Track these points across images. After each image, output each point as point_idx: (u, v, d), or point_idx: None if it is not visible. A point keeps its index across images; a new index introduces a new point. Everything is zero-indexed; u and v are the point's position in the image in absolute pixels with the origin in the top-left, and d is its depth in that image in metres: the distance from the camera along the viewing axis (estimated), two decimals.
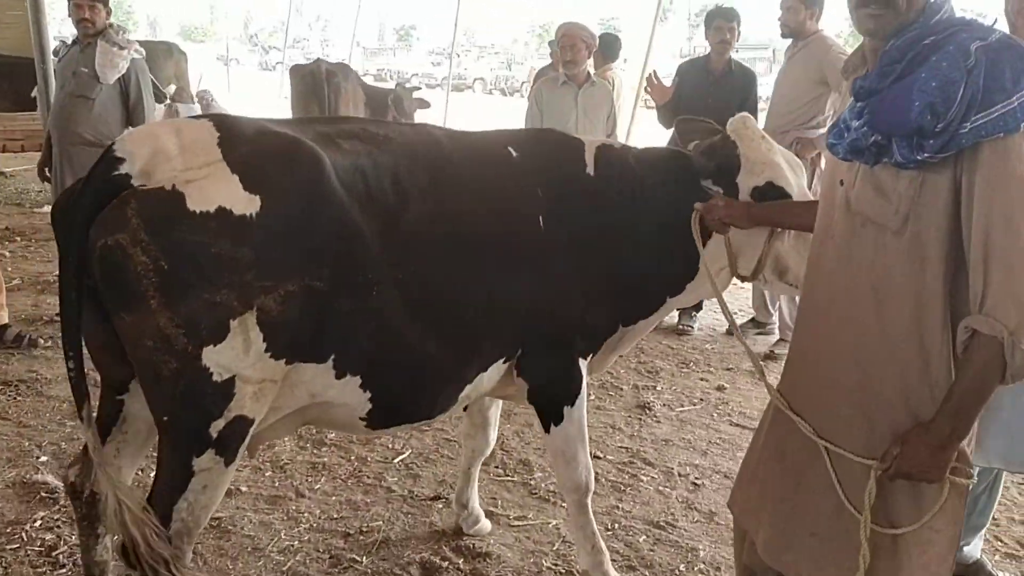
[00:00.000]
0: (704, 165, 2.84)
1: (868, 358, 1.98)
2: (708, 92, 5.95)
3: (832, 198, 2.07)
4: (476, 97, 34.41)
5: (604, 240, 2.79)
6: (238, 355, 2.13)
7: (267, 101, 18.72)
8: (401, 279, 2.40)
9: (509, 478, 4.05)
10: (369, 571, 3.25)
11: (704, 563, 3.43)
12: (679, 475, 4.17)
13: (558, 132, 3.11)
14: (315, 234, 2.20)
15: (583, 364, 2.87)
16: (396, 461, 4.13)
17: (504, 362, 2.77)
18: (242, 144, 2.20)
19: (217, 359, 2.11)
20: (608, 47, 7.20)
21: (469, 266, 2.57)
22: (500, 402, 3.30)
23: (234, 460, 2.28)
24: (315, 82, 9.36)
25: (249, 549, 3.32)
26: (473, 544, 3.44)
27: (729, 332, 6.32)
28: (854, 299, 1.99)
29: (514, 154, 2.77)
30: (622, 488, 4.01)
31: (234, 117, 2.38)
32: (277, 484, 3.83)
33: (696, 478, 4.16)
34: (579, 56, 5.77)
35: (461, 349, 2.64)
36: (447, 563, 3.31)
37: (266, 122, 2.40)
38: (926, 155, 1.77)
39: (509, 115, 26.38)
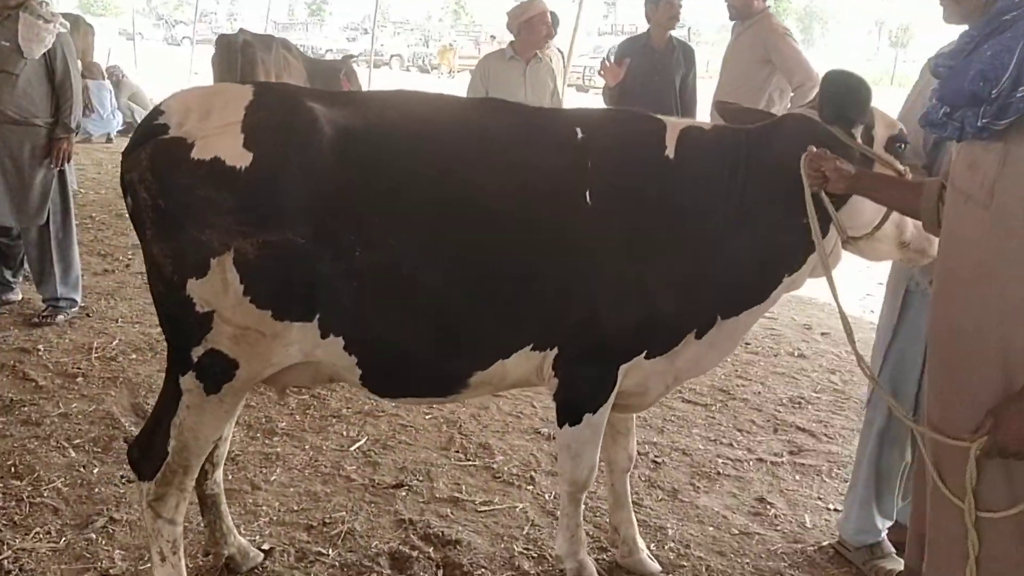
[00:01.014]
0: (838, 109, 2.59)
1: (970, 338, 1.95)
2: (653, 69, 5.95)
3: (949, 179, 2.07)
4: (394, 74, 33.89)
5: (673, 225, 2.65)
6: (218, 293, 2.37)
7: (175, 77, 17.99)
8: (395, 247, 2.45)
9: (471, 462, 3.97)
10: (337, 564, 3.15)
11: (674, 541, 3.44)
12: (639, 453, 4.15)
13: (635, 112, 2.95)
14: (299, 194, 2.37)
15: (623, 370, 2.75)
16: (352, 449, 4.02)
17: (534, 350, 2.67)
18: (262, 110, 2.44)
19: (199, 292, 2.38)
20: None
21: (485, 245, 2.53)
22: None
23: (217, 392, 2.51)
24: (229, 52, 8.99)
25: None
26: (442, 532, 3.36)
27: None
28: (957, 277, 1.97)
29: (580, 134, 2.67)
30: None
31: (281, 87, 2.65)
32: (230, 477, 3.67)
33: (656, 456, 4.16)
34: (550, 32, 5.74)
35: (471, 329, 2.60)
36: (417, 552, 3.23)
37: (308, 94, 2.59)
38: (985, 121, 1.77)
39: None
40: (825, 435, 4.52)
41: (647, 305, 2.65)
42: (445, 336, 2.60)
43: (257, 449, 3.96)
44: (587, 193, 2.58)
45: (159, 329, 3.12)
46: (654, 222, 2.64)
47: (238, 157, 2.35)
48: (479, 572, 3.16)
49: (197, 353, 2.46)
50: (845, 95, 2.57)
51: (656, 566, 3.21)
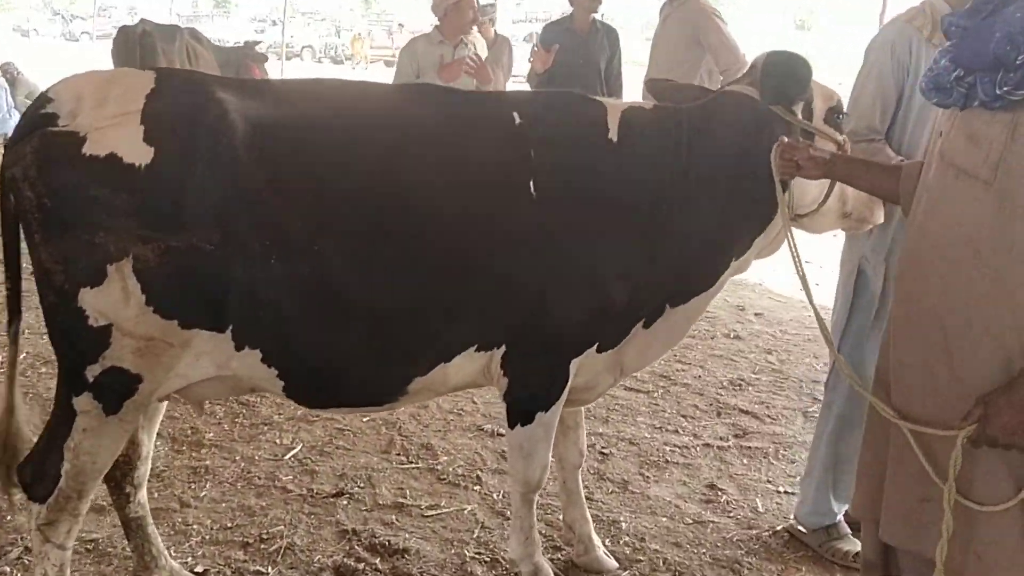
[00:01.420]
0: (780, 89, 2.53)
1: (959, 319, 1.86)
2: (577, 53, 5.85)
3: (932, 152, 1.96)
4: (306, 65, 33.16)
5: (621, 211, 2.53)
6: (117, 304, 2.16)
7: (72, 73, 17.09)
8: (318, 252, 2.26)
9: (414, 465, 3.81)
10: None
11: (628, 535, 3.34)
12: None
13: (572, 94, 2.80)
14: (208, 196, 2.16)
15: (574, 365, 2.63)
16: (288, 457, 3.81)
17: (478, 351, 2.52)
18: (165, 99, 2.21)
19: (94, 303, 2.16)
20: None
21: (421, 245, 2.35)
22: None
23: (117, 412, 2.30)
24: (126, 43, 8.53)
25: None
26: (388, 540, 3.20)
27: None
28: (945, 255, 1.87)
29: (517, 119, 2.52)
30: None
31: (186, 73, 2.40)
32: (156, 495, 3.42)
33: (603, 447, 4.07)
34: (476, 17, 5.61)
35: (408, 334, 2.41)
36: (363, 564, 3.06)
37: (217, 82, 2.35)
38: (1007, 89, 1.68)
39: None
40: (768, 416, 4.50)
41: (599, 296, 2.54)
42: (379, 343, 2.42)
43: (184, 463, 3.71)
44: (531, 184, 2.45)
45: None
46: (602, 210, 2.52)
47: (137, 152, 2.13)
48: None
49: (93, 372, 2.23)
50: (786, 76, 2.53)
51: (613, 563, 3.11)
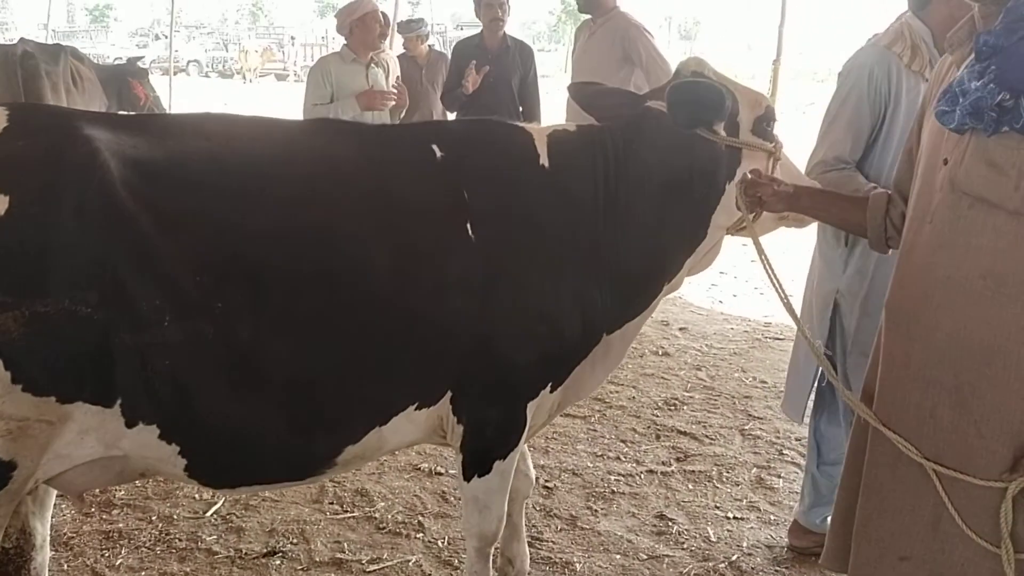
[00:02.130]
0: (692, 118, 2.40)
1: (976, 356, 1.75)
2: (488, 71, 5.73)
3: (932, 180, 1.83)
4: (193, 80, 32.04)
5: (564, 243, 2.39)
6: None
7: None
8: (222, 310, 1.96)
9: (350, 514, 3.56)
10: None
11: None
12: None
13: (491, 121, 2.65)
14: (80, 250, 1.86)
15: (531, 407, 2.46)
16: (210, 514, 3.51)
17: (418, 409, 2.31)
18: (21, 139, 1.91)
19: None
20: None
21: (344, 300, 2.11)
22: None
23: None
24: (6, 65, 7.95)
25: None
26: None
27: None
28: (960, 289, 1.75)
29: (438, 153, 2.32)
30: None
31: (46, 108, 2.04)
32: (66, 567, 3.10)
33: (546, 480, 3.91)
34: (384, 31, 5.40)
35: (329, 397, 2.16)
36: None
37: (83, 117, 2.05)
38: None
39: (241, 100, 24.88)
40: (706, 436, 4.43)
41: (553, 334, 2.39)
42: (301, 411, 2.14)
43: (95, 527, 3.37)
44: (467, 225, 2.26)
45: None
46: (543, 243, 2.38)
47: None
48: None
49: None
50: (694, 106, 2.41)
51: None
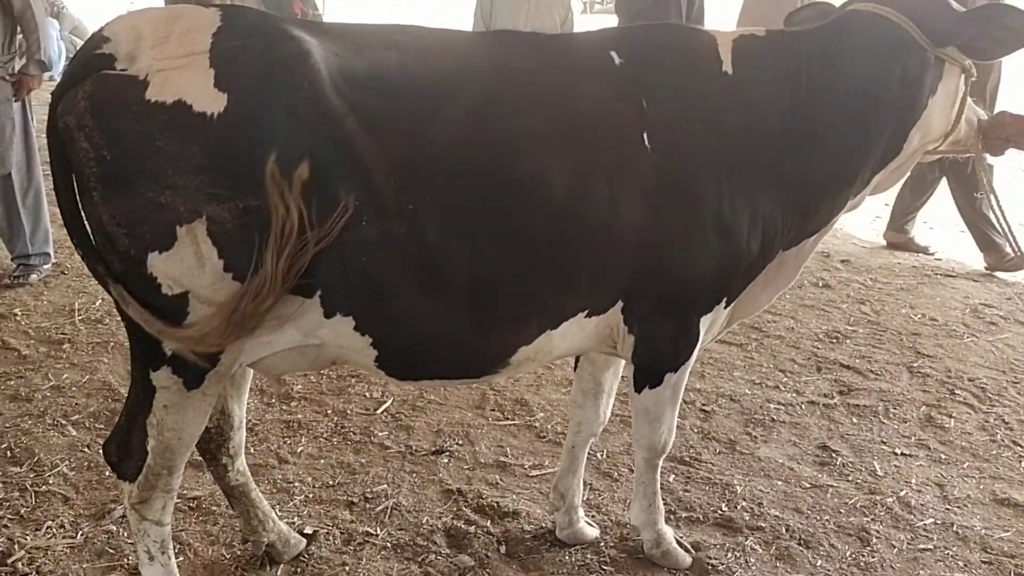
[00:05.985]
0: (958, 26, 2.30)
1: None
2: None
3: None
4: None
5: (745, 154, 2.32)
6: (190, 269, 1.95)
7: (114, 9, 16.85)
8: (413, 211, 2.01)
9: (511, 421, 3.68)
10: (389, 545, 2.85)
11: (745, 500, 3.18)
12: (684, 402, 3.88)
13: (672, 26, 2.58)
14: (289, 147, 1.90)
15: (704, 322, 2.45)
16: (380, 412, 3.69)
17: (588, 316, 2.33)
18: (236, 39, 1.95)
19: (165, 269, 1.95)
20: None
21: (525, 204, 2.12)
22: (618, 364, 2.79)
23: (199, 386, 2.13)
24: None
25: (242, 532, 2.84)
26: (496, 502, 3.08)
27: None
28: None
29: (617, 59, 2.28)
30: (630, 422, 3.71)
31: (252, 11, 2.08)
32: (253, 451, 3.33)
33: (703, 404, 3.90)
34: None
35: (506, 300, 2.21)
36: (474, 527, 2.95)
37: (289, 21, 2.06)
38: None
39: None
40: (871, 372, 4.30)
41: (732, 246, 2.33)
42: (482, 309, 2.20)
43: (276, 417, 3.61)
44: (644, 135, 2.21)
45: None
46: (722, 152, 2.30)
47: (208, 99, 1.88)
48: (544, 547, 2.89)
49: (170, 346, 2.04)
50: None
51: (594, 532, 2.95)
